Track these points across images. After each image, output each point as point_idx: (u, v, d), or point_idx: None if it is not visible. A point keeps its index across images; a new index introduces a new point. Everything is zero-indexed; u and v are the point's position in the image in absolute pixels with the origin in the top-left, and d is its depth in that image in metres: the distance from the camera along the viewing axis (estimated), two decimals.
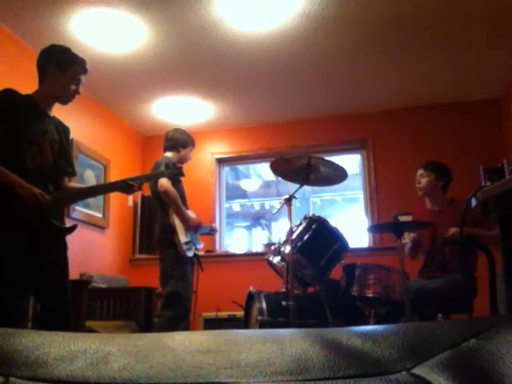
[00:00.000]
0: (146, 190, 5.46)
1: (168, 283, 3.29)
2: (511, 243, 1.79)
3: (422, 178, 3.39)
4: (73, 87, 2.30)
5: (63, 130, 2.38)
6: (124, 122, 5.50)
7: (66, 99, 2.33)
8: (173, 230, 3.30)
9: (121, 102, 5.04)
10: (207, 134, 5.71)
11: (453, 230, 2.99)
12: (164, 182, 3.29)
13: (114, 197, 5.15)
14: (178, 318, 3.24)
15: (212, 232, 4.00)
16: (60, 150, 2.32)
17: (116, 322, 3.85)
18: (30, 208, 2.05)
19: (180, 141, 3.61)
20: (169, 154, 3.57)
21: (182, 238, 3.31)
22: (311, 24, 3.75)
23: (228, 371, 0.38)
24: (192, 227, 3.42)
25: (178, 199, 3.34)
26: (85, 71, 2.35)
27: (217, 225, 5.27)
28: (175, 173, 3.16)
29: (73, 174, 2.46)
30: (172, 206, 3.34)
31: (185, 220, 3.36)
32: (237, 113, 5.35)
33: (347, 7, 3.55)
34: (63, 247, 2.28)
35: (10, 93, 2.19)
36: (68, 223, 2.35)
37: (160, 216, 3.46)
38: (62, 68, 2.26)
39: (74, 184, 2.51)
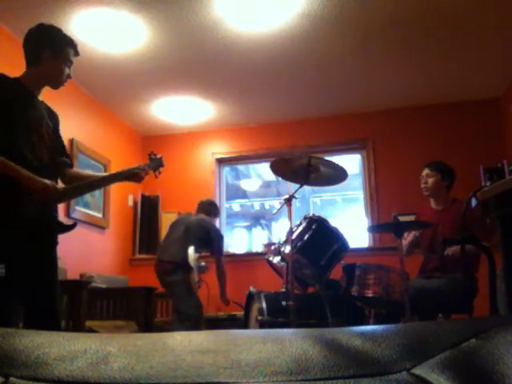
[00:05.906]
0: (147, 190, 5.49)
1: (183, 305, 3.84)
2: (511, 243, 1.79)
3: (429, 178, 3.34)
4: (67, 70, 2.15)
5: (53, 116, 2.23)
6: (124, 122, 5.50)
7: (58, 83, 2.18)
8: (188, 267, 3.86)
9: (121, 102, 5.04)
10: (207, 134, 5.71)
11: (452, 249, 3.04)
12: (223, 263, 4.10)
13: (114, 197, 5.15)
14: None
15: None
16: (53, 138, 2.17)
17: (116, 322, 3.85)
18: (41, 201, 1.93)
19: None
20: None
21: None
22: (311, 24, 3.75)
23: (228, 371, 0.38)
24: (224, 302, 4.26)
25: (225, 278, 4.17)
26: (76, 53, 2.20)
27: (217, 225, 5.26)
28: (157, 165, 3.11)
29: (70, 165, 2.30)
30: (219, 280, 4.10)
31: (224, 294, 4.18)
32: (237, 113, 5.35)
33: (347, 7, 3.55)
34: (54, 244, 2.14)
35: None
36: (67, 223, 2.30)
37: (182, 242, 3.93)
38: (57, 51, 2.11)
39: (77, 170, 2.35)
